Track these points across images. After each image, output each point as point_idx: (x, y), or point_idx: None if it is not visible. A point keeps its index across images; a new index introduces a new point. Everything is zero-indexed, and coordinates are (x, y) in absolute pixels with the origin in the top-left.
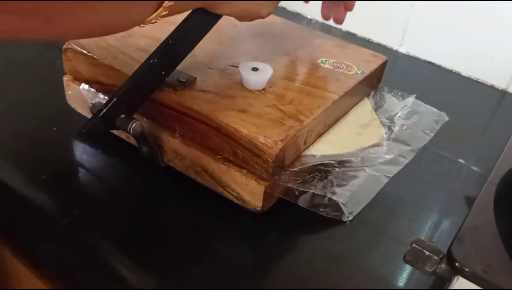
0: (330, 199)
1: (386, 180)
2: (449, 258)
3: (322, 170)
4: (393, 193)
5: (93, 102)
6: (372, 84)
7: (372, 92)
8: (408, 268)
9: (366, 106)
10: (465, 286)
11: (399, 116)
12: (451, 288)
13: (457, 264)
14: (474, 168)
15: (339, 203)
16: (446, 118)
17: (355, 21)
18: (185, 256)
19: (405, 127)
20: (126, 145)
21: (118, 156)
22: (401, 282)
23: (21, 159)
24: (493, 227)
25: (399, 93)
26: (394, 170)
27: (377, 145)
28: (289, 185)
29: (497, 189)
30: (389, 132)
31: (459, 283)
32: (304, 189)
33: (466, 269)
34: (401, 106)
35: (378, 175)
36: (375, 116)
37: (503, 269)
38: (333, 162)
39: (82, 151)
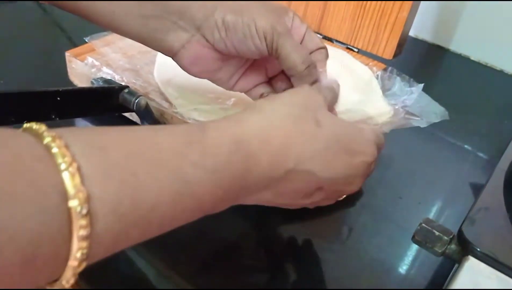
0: None
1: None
2: (460, 237)
3: None
4: (400, 176)
5: (95, 78)
6: None
7: (381, 73)
8: (414, 250)
9: (373, 86)
10: (475, 267)
11: (403, 105)
12: (461, 269)
13: (468, 243)
14: (481, 154)
15: None
16: (447, 118)
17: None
18: (189, 252)
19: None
20: (129, 123)
21: None
22: (407, 265)
23: None
24: (505, 209)
25: (407, 78)
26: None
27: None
28: None
29: (507, 173)
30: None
31: (469, 263)
32: None
33: (478, 249)
34: (407, 94)
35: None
36: (384, 98)
37: None
38: None
39: None
